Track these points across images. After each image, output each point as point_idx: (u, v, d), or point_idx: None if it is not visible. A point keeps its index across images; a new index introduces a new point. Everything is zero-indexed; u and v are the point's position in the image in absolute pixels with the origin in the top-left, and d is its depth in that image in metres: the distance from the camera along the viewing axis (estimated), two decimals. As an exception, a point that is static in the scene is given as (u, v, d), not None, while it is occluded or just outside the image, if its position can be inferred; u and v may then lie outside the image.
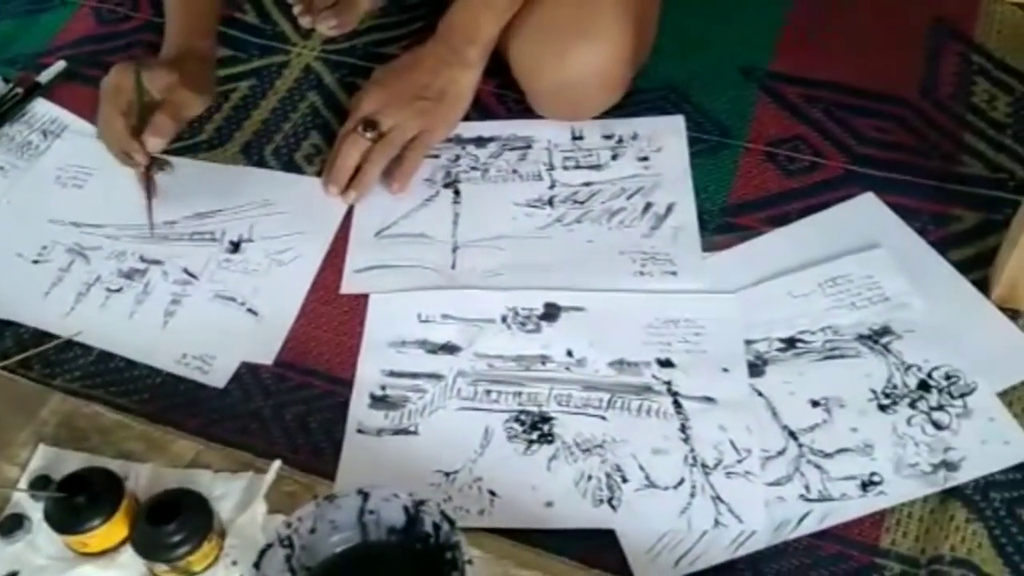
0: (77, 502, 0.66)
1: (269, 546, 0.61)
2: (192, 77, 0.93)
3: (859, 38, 1.09)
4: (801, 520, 0.76)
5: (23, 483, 0.72)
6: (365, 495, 0.64)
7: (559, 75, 0.95)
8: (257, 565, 0.60)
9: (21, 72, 1.12)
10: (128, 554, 0.67)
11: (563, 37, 0.94)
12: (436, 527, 0.63)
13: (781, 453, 0.80)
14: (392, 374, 0.86)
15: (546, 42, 0.94)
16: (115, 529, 0.67)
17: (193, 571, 0.66)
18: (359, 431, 0.83)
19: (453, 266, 0.93)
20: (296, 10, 1.15)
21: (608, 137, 1.02)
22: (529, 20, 0.95)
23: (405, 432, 0.83)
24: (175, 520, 0.64)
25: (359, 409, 0.84)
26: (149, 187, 0.94)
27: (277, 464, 0.70)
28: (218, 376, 0.86)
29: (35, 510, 0.70)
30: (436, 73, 0.97)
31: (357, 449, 0.82)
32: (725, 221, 0.95)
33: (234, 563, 0.67)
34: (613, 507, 0.77)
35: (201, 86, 0.95)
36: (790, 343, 0.86)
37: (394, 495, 0.63)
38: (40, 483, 0.70)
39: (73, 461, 0.72)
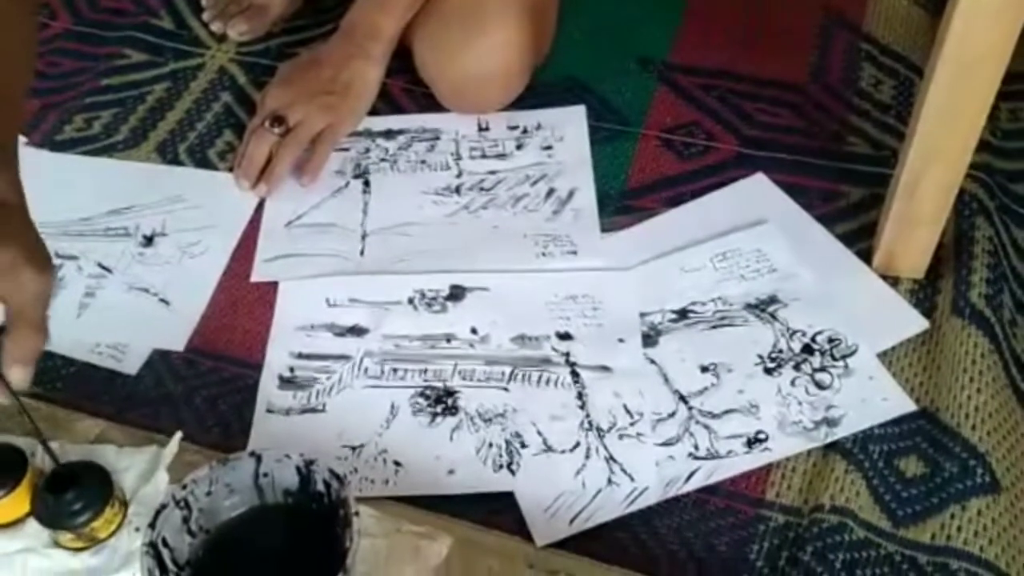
0: (-21, 475, 0.67)
1: (164, 506, 0.64)
2: (21, 247, 0.64)
3: (753, 29, 1.15)
4: (690, 476, 0.80)
5: (-71, 465, 0.73)
6: (258, 457, 0.66)
7: (460, 70, 0.99)
8: (152, 525, 0.63)
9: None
10: (34, 524, 0.69)
11: (462, 33, 0.98)
12: (327, 485, 0.66)
13: (672, 415, 0.83)
14: (301, 356, 0.89)
15: (447, 38, 0.98)
16: (18, 501, 0.69)
17: (97, 538, 0.68)
18: (268, 411, 0.86)
19: (362, 253, 0.96)
20: (206, 16, 1.18)
21: (513, 128, 1.06)
22: (431, 17, 0.99)
23: (313, 411, 0.85)
24: (73, 489, 0.66)
25: (268, 390, 0.87)
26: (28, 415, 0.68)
27: (178, 436, 0.72)
28: (130, 363, 0.88)
29: (-59, 490, 0.72)
30: (341, 68, 1.01)
31: (266, 427, 0.84)
32: (624, 203, 0.99)
33: (137, 529, 0.68)
34: (512, 471, 0.81)
35: (32, 254, 0.65)
36: (682, 314, 0.90)
37: (286, 456, 0.66)
38: (-54, 463, 0.72)
39: (-21, 442, 0.73)
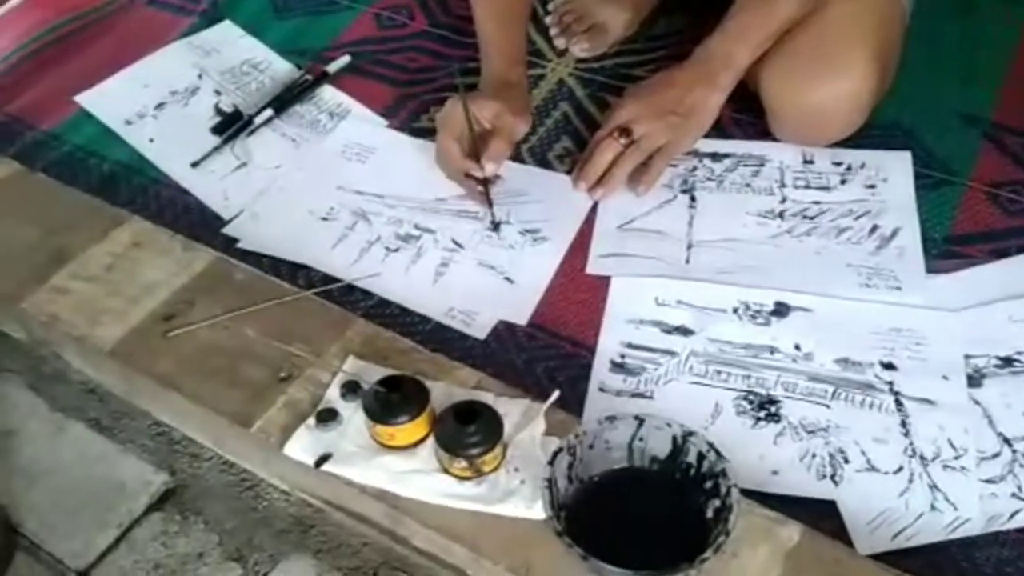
0: (392, 398, 0.77)
1: (560, 450, 0.72)
2: (512, 104, 1.06)
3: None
4: (1013, 515, 0.82)
5: (334, 387, 0.84)
6: (640, 421, 0.73)
7: (807, 103, 1.05)
8: (551, 463, 0.71)
9: (310, 62, 1.29)
10: (426, 451, 0.78)
11: (814, 68, 1.03)
12: (700, 457, 0.72)
13: (996, 456, 0.85)
14: (630, 346, 0.96)
15: (798, 71, 1.04)
16: (418, 427, 0.78)
17: (482, 470, 0.77)
18: (600, 390, 0.93)
19: (687, 261, 1.03)
20: (552, 32, 1.29)
21: (837, 164, 1.10)
22: (784, 50, 1.05)
23: (641, 396, 0.92)
24: (475, 423, 0.75)
25: (601, 371, 0.94)
26: (489, 197, 1.06)
27: (556, 394, 0.81)
28: (479, 329, 0.98)
29: (344, 408, 0.83)
30: (688, 91, 1.08)
31: (598, 404, 0.91)
32: (948, 249, 1.02)
33: (516, 469, 0.77)
34: (835, 482, 0.85)
35: (521, 111, 1.07)
36: (1007, 361, 0.92)
37: (666, 424, 0.73)
38: (351, 386, 0.83)
39: (377, 372, 0.84)
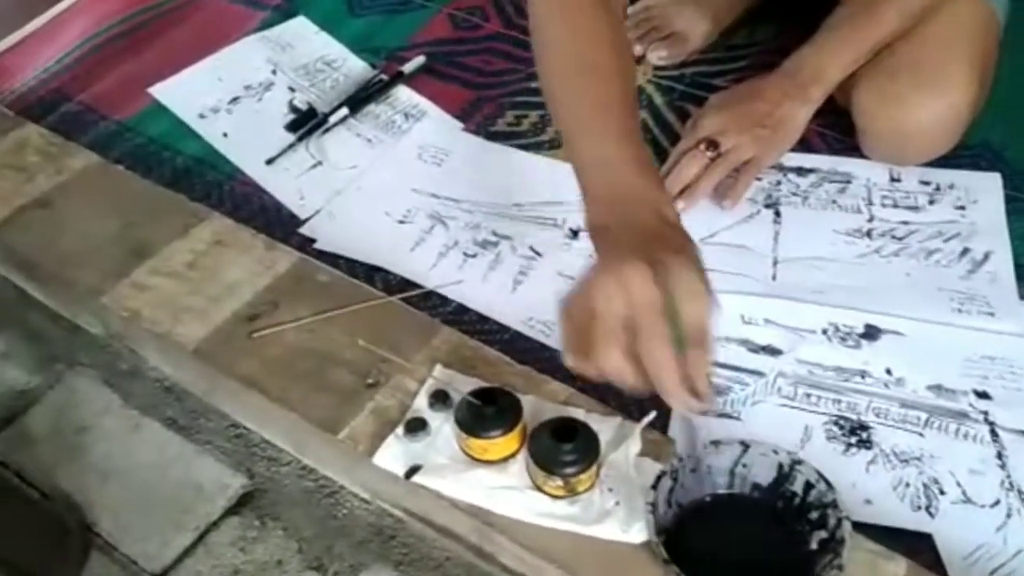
0: (487, 411, 0.76)
1: (664, 473, 0.70)
2: (689, 253, 0.68)
3: None
4: (1117, 557, 0.79)
5: (422, 395, 0.83)
6: (745, 446, 0.71)
7: (900, 121, 1.02)
8: (654, 487, 0.69)
9: (384, 61, 1.28)
10: (517, 466, 0.77)
11: (909, 86, 1.01)
12: (808, 486, 0.70)
13: (1098, 493, 0.83)
14: (716, 364, 0.94)
15: (892, 89, 1.02)
16: (510, 442, 0.77)
17: (576, 490, 0.75)
18: (686, 409, 0.91)
19: (774, 278, 1.01)
20: (628, 36, 1.27)
21: (926, 183, 1.08)
22: (877, 66, 1.03)
23: (728, 416, 0.90)
24: (573, 441, 0.73)
25: (686, 390, 0.92)
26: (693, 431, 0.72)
27: (653, 414, 0.79)
28: (558, 340, 0.96)
29: (433, 418, 0.81)
30: (777, 104, 1.06)
31: (684, 423, 0.89)
32: (1040, 276, 0.99)
33: (610, 489, 0.75)
34: (931, 514, 0.82)
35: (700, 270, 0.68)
36: (1107, 395, 0.89)
37: (773, 451, 0.71)
38: (439, 396, 0.82)
39: (465, 383, 0.82)
